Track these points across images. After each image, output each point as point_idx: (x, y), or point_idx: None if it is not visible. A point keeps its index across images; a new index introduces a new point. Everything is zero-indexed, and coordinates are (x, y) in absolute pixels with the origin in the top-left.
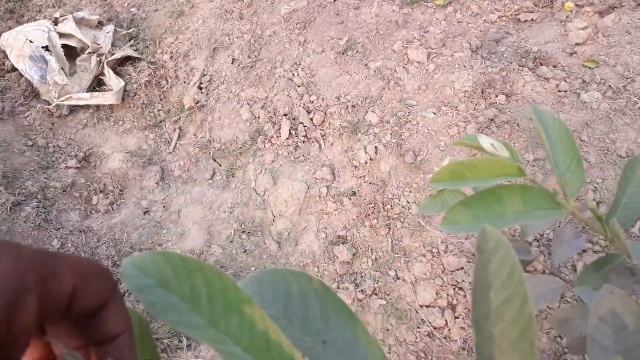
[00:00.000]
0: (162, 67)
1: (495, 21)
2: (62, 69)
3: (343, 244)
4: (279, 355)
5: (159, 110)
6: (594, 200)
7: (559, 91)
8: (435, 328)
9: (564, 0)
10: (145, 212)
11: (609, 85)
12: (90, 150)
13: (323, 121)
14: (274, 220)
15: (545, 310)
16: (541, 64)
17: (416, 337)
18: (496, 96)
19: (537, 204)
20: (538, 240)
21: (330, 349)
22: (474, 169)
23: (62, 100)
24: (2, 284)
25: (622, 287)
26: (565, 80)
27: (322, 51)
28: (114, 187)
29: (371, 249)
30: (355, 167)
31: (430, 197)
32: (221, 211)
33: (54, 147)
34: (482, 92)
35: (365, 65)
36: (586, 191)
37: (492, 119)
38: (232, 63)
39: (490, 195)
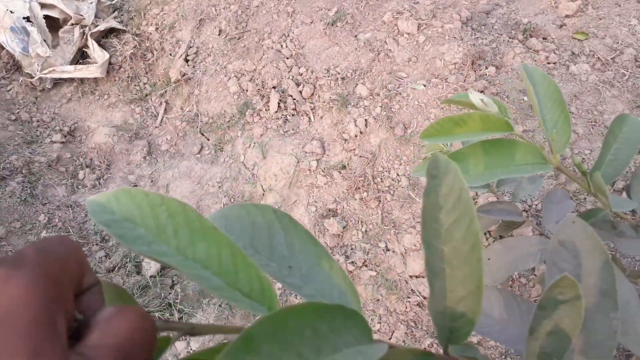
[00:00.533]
0: (147, 39)
1: None
2: (45, 40)
3: (333, 217)
4: (247, 275)
5: (144, 84)
6: None
7: (549, 63)
8: (424, 298)
9: None
10: (133, 187)
11: (598, 57)
12: (76, 125)
13: (312, 94)
14: (263, 194)
15: (533, 279)
16: (531, 36)
17: (406, 307)
18: (486, 68)
19: (524, 158)
20: (527, 211)
21: (296, 272)
22: (464, 123)
23: (45, 73)
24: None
25: (604, 239)
26: (554, 52)
27: (311, 22)
28: (101, 162)
29: (361, 222)
30: (345, 140)
31: (424, 160)
32: (210, 186)
33: (38, 121)
34: (472, 64)
35: (355, 36)
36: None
37: (481, 91)
38: (219, 35)
39: (479, 149)
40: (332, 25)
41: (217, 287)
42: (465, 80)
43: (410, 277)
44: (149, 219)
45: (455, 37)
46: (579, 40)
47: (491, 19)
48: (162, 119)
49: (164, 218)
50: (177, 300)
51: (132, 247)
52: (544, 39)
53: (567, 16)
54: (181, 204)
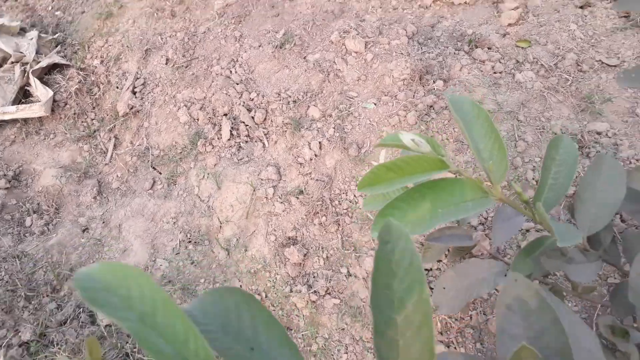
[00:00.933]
0: (92, 73)
1: (430, 6)
2: None
3: (293, 244)
4: (195, 344)
5: (92, 120)
6: (533, 179)
7: (495, 73)
8: None
9: None
10: (84, 230)
11: (542, 64)
12: (20, 168)
13: (265, 119)
14: (220, 227)
15: (494, 294)
16: (476, 47)
17: (372, 334)
18: (434, 82)
19: (465, 195)
20: (483, 224)
21: (257, 354)
22: (398, 169)
23: None
24: None
25: (554, 268)
26: (500, 62)
27: (260, 46)
28: (49, 206)
29: (322, 248)
30: (301, 164)
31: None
32: (164, 222)
33: None
34: (420, 79)
35: (304, 58)
36: (525, 171)
37: (431, 106)
38: (166, 64)
39: (417, 194)
40: (281, 47)
41: (167, 355)
42: (414, 96)
43: None
44: (122, 289)
45: (402, 53)
46: (522, 48)
47: (437, 32)
48: (111, 156)
49: (133, 288)
50: (134, 350)
51: (100, 311)
52: (489, 48)
53: (509, 25)
54: (147, 278)
